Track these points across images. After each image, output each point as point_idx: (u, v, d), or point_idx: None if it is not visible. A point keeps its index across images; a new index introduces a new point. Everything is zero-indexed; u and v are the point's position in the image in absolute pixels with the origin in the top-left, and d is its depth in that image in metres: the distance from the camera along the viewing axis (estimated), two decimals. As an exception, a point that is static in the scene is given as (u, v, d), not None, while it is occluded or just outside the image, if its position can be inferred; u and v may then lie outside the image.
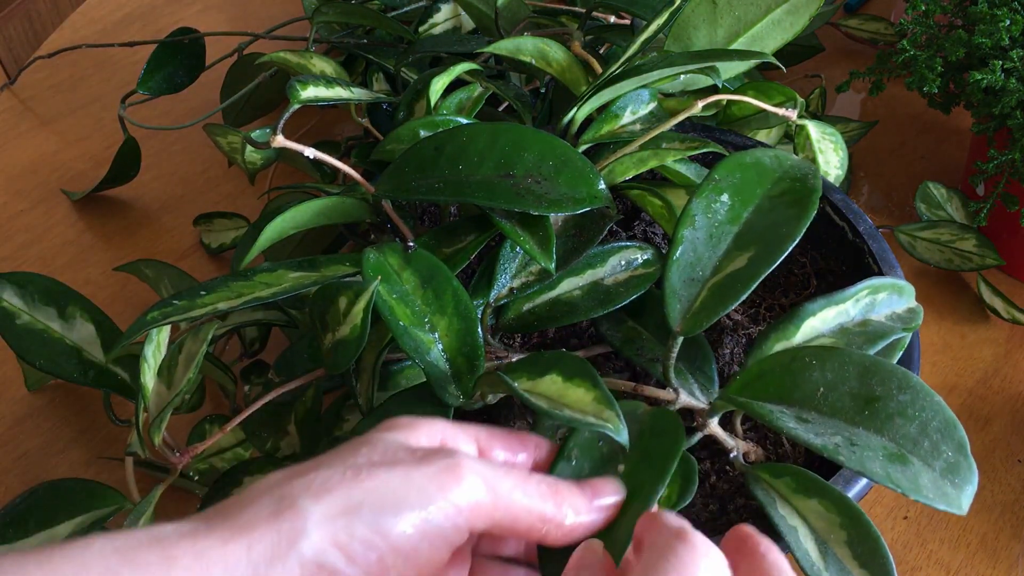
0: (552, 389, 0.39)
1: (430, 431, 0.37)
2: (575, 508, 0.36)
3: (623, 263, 0.50)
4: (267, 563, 0.30)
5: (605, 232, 0.48)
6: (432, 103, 0.56)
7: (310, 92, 0.51)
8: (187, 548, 0.30)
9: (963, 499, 0.36)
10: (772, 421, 0.38)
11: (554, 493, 0.36)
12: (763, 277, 0.41)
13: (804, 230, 0.42)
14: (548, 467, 0.39)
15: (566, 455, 0.39)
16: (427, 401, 0.43)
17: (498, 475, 0.34)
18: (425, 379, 0.43)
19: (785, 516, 0.39)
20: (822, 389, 0.39)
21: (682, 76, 0.58)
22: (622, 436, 0.37)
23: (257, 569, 0.30)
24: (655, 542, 0.32)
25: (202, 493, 0.50)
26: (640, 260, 0.50)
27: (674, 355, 0.43)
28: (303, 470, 0.33)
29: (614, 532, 0.36)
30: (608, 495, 0.37)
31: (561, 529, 0.35)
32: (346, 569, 0.31)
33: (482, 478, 0.34)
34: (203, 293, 0.45)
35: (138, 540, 0.30)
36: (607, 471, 0.38)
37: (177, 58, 0.78)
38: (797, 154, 0.59)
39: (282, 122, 0.48)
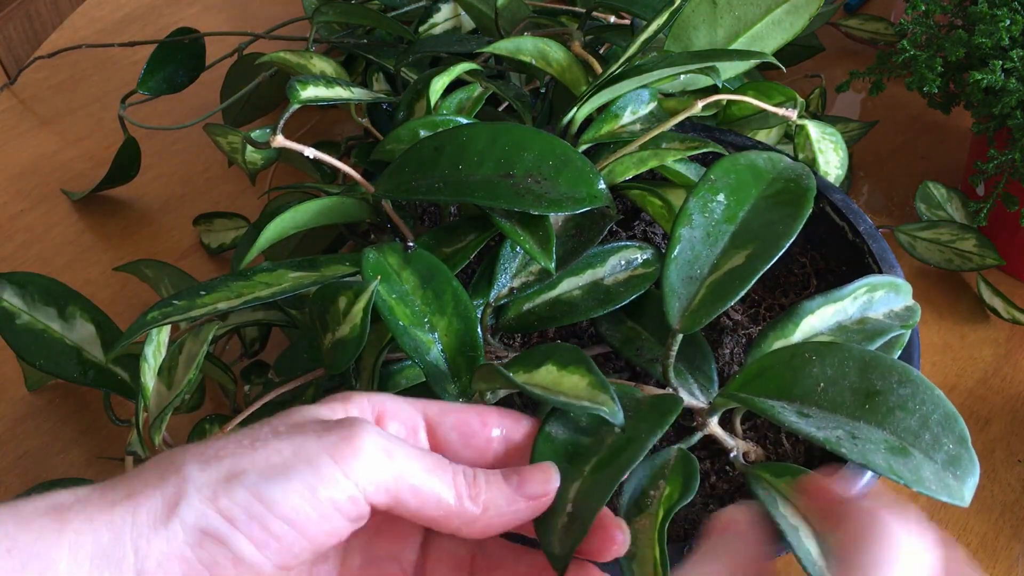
0: (548, 379, 0.39)
1: (362, 404, 0.36)
2: (495, 506, 0.34)
3: (623, 263, 0.50)
4: (151, 527, 0.30)
5: (605, 232, 0.48)
6: (432, 103, 0.56)
7: (310, 92, 0.51)
8: (79, 512, 0.30)
9: (965, 491, 0.36)
10: (773, 416, 0.38)
11: (471, 485, 0.34)
12: (760, 274, 0.41)
13: (800, 227, 0.42)
14: (530, 444, 0.37)
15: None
16: (427, 401, 0.43)
17: (407, 453, 0.33)
18: (425, 379, 0.43)
19: (786, 515, 0.39)
20: (822, 384, 0.39)
21: (682, 76, 0.58)
22: (618, 417, 0.37)
23: (142, 532, 0.30)
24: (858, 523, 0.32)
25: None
26: (640, 260, 0.50)
27: (673, 354, 0.43)
28: (205, 442, 0.33)
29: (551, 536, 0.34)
30: (536, 484, 0.35)
31: (473, 527, 0.34)
32: (232, 536, 0.31)
33: (384, 451, 0.32)
34: (203, 293, 0.45)
35: (35, 507, 0.30)
36: (572, 468, 0.37)
37: (177, 58, 0.78)
38: (797, 154, 0.59)
39: (282, 122, 0.48)
